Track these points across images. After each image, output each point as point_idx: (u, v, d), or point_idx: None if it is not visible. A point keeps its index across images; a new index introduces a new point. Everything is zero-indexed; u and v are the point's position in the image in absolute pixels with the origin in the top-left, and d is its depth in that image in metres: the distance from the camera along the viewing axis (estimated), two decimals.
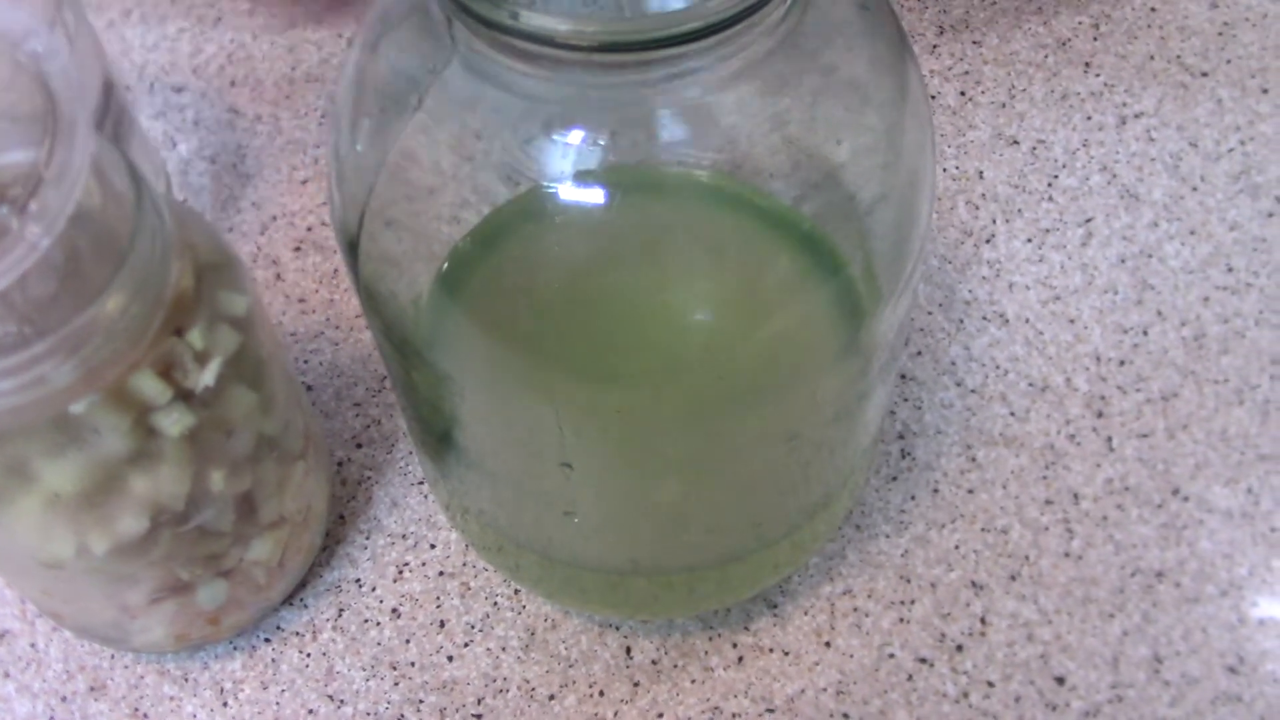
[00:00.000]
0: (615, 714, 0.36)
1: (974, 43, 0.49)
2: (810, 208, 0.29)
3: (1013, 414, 0.40)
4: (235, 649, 0.37)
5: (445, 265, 0.29)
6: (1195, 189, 0.44)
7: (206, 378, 0.30)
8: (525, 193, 0.27)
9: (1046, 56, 0.49)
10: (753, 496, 0.32)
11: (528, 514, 0.33)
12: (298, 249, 0.45)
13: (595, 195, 0.26)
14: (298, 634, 0.38)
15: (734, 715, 0.35)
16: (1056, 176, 0.45)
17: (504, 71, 0.24)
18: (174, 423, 0.30)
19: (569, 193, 0.26)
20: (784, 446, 0.30)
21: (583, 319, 0.29)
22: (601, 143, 0.25)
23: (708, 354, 0.29)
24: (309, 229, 0.46)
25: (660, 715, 0.36)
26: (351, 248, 0.29)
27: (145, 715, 0.37)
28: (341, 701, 0.36)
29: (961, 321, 0.42)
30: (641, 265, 0.29)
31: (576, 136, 0.25)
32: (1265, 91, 0.47)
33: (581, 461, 0.29)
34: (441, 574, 0.38)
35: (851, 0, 0.27)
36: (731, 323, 0.29)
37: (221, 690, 0.37)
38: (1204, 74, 0.47)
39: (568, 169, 0.25)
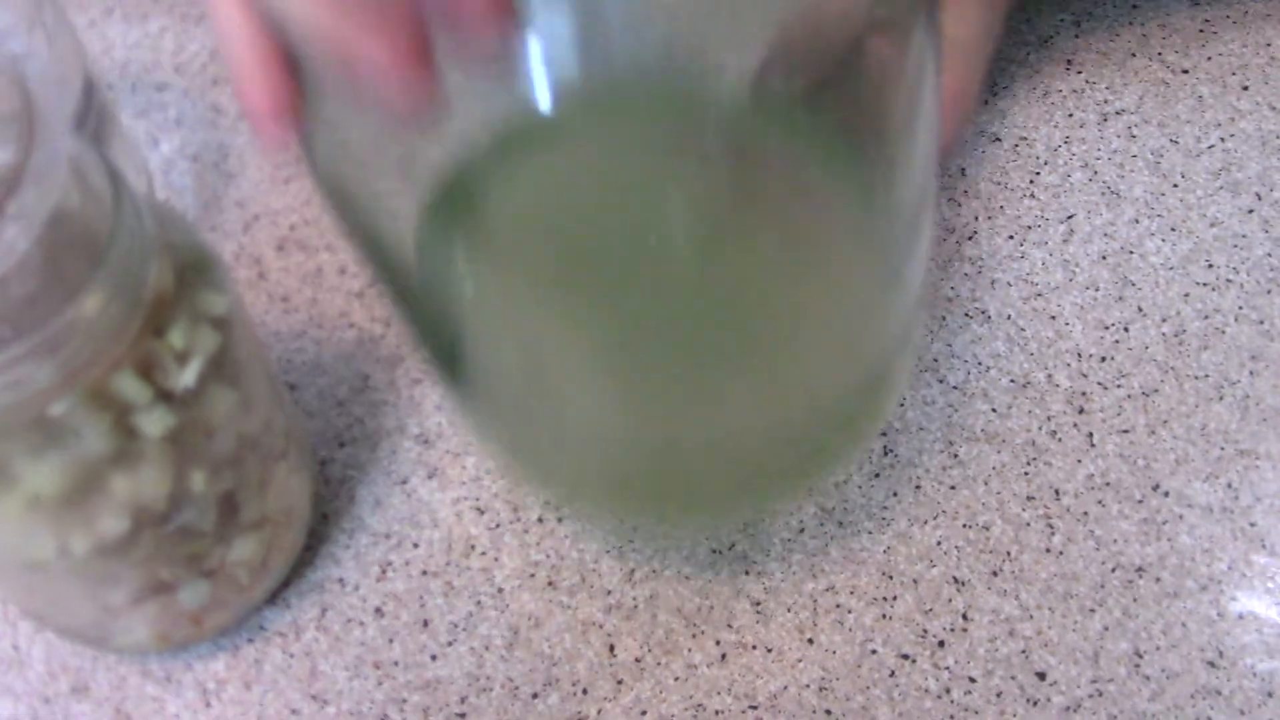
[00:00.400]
0: (599, 712, 0.36)
1: None
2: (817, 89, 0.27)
3: (994, 410, 0.40)
4: (218, 649, 0.37)
5: (434, 195, 0.28)
6: (1176, 185, 0.44)
7: (187, 378, 0.30)
8: (508, 110, 0.26)
9: (1028, 54, 0.49)
10: (792, 366, 0.31)
11: (550, 411, 0.32)
12: (280, 248, 0.45)
13: (577, 104, 0.25)
14: (281, 634, 0.38)
15: (717, 712, 0.36)
16: (1038, 173, 0.45)
17: None
18: (155, 423, 0.30)
19: (551, 103, 0.24)
20: (821, 308, 0.30)
21: (588, 230, 0.28)
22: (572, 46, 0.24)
23: (722, 229, 0.28)
24: (292, 228, 0.46)
25: (644, 713, 0.36)
26: (335, 193, 0.28)
27: (128, 716, 0.37)
28: (325, 701, 0.36)
29: (944, 318, 0.42)
30: (640, 175, 0.28)
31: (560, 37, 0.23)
32: (1245, 88, 0.47)
33: (601, 348, 0.29)
34: (425, 573, 0.38)
35: None
36: (739, 197, 0.28)
37: (205, 690, 0.37)
38: (1185, 71, 0.48)
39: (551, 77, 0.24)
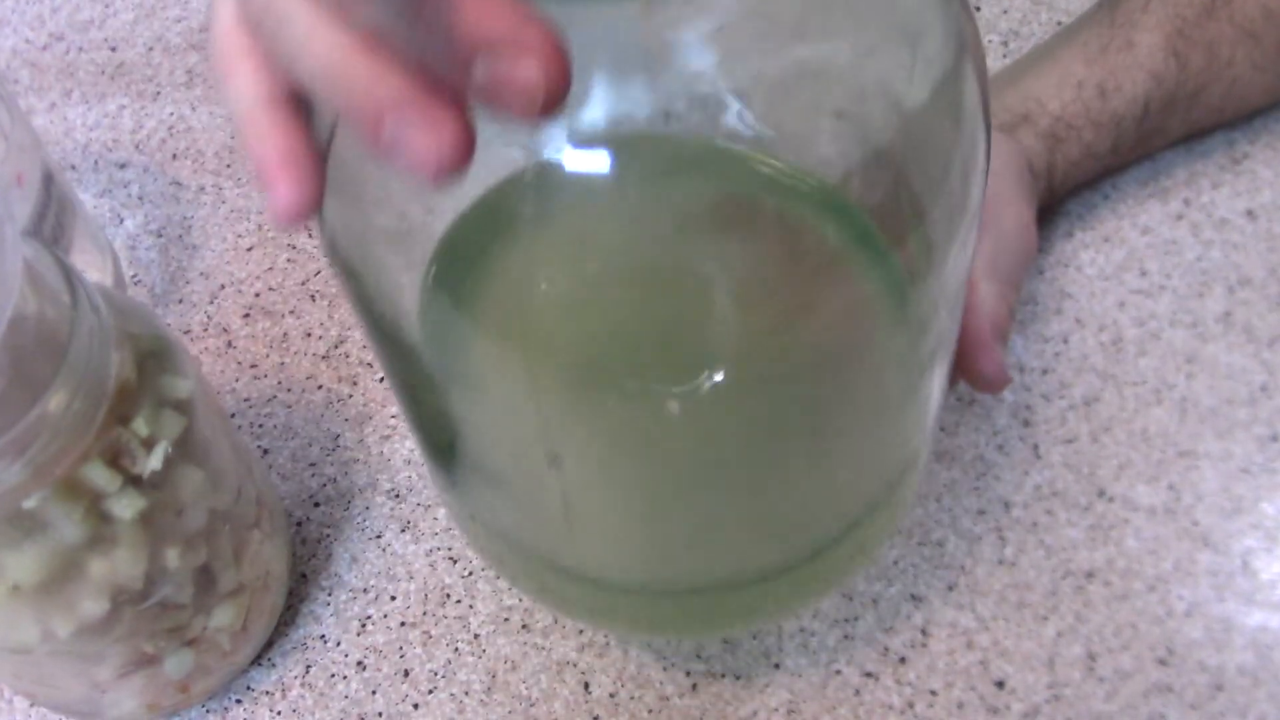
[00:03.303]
0: None
1: None
2: (852, 169, 0.25)
3: (943, 429, 0.41)
4: (208, 712, 0.39)
5: (435, 263, 0.26)
6: (1107, 197, 0.46)
7: (153, 462, 0.31)
8: (521, 169, 0.23)
9: None
10: (802, 496, 0.29)
11: (540, 521, 0.30)
12: (247, 315, 0.47)
13: (598, 164, 0.22)
14: (268, 693, 0.39)
15: None
16: None
17: None
18: (125, 507, 0.31)
19: (570, 162, 0.22)
20: (839, 436, 0.28)
21: (593, 312, 0.26)
22: (599, 94, 0.21)
23: (743, 343, 0.25)
24: (257, 295, 0.47)
25: None
26: (334, 251, 0.26)
27: None
28: None
29: None
30: (656, 246, 0.25)
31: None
32: None
33: (612, 465, 0.27)
34: (403, 624, 0.40)
35: None
36: (765, 306, 0.25)
37: None
38: None
39: (563, 132, 0.22)
